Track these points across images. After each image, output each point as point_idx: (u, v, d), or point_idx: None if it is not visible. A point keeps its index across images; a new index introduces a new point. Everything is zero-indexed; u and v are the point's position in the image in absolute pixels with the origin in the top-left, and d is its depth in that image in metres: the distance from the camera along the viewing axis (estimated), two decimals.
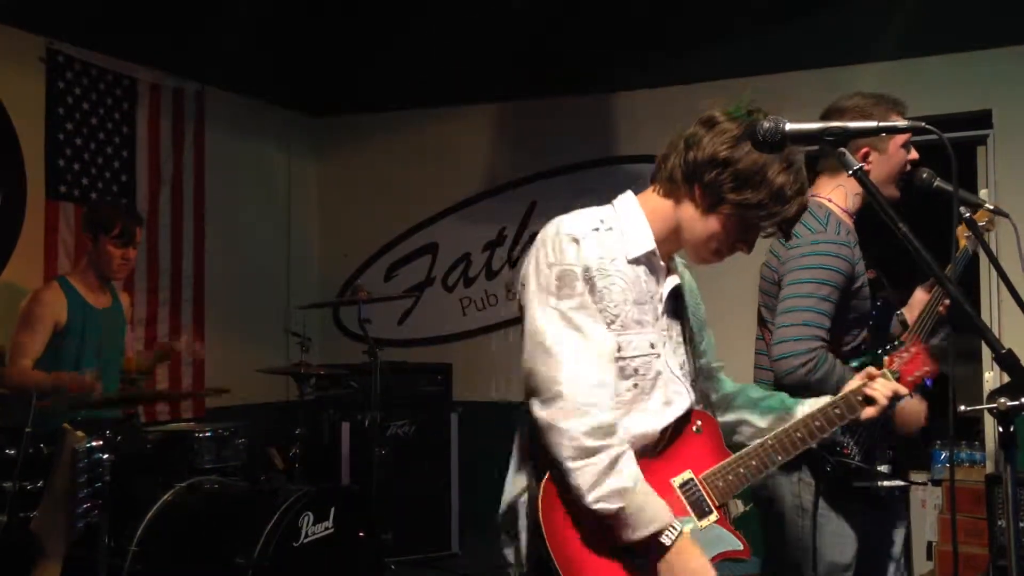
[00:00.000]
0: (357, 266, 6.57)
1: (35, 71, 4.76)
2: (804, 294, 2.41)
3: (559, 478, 1.77)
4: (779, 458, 1.96)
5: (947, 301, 2.67)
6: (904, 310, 2.80)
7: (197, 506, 3.75)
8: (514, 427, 1.97)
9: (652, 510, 1.78)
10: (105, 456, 3.27)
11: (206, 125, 5.71)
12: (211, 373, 5.58)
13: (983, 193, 4.86)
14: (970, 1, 4.94)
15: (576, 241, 1.83)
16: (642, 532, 1.76)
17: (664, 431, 1.91)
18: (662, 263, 1.95)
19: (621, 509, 1.75)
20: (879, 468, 2.50)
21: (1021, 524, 3.82)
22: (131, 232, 3.99)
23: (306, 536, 3.63)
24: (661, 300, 1.94)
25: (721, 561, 1.87)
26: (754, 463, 1.94)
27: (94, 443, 3.26)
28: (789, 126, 1.68)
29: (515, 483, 1.93)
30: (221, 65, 5.63)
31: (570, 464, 1.74)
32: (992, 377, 4.91)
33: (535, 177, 6.15)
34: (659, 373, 1.91)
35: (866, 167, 2.53)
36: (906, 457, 2.68)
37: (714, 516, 1.91)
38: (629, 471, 1.77)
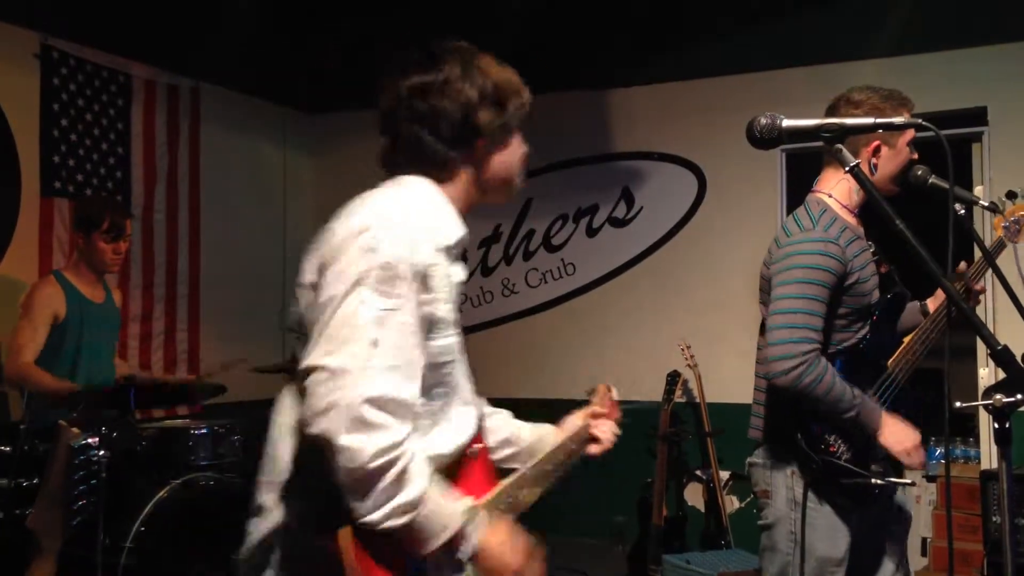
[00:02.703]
0: None
1: (29, 67, 4.74)
2: (795, 295, 2.41)
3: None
4: (538, 490, 1.83)
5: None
6: (929, 300, 2.81)
7: (193, 503, 3.75)
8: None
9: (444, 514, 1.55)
10: (101, 453, 3.28)
11: (201, 121, 5.69)
12: (206, 370, 5.57)
13: (978, 190, 4.87)
14: None
15: (409, 231, 1.61)
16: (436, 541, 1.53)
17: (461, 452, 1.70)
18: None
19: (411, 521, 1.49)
20: (872, 467, 2.50)
21: (1016, 520, 3.83)
22: (120, 226, 3.99)
23: None
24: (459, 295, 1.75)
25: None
26: (524, 491, 1.79)
27: (89, 440, 3.27)
28: (786, 122, 1.69)
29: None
30: (216, 61, 5.62)
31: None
32: (987, 373, 4.92)
33: (530, 173, 6.10)
34: (459, 384, 1.74)
35: (875, 161, 2.53)
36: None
37: None
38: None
